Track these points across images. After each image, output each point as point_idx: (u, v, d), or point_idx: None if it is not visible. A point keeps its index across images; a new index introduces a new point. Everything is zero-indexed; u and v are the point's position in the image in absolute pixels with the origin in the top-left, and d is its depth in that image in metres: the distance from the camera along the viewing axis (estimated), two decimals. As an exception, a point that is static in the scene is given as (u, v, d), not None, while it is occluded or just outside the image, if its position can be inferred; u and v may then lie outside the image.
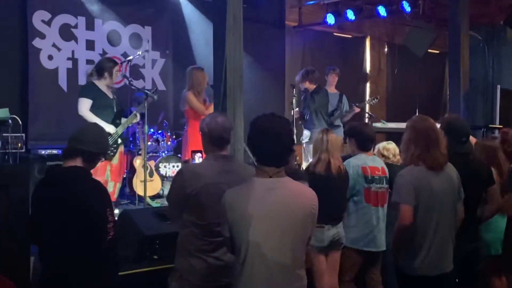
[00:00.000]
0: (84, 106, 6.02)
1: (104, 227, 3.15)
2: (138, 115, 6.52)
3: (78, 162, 3.24)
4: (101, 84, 6.18)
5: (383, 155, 5.21)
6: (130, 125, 6.63)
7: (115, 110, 6.22)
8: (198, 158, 3.82)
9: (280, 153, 2.75)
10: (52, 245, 3.19)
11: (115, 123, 6.16)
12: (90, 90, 6.12)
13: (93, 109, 6.04)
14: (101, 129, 3.68)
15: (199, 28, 9.34)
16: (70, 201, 3.12)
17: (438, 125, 3.97)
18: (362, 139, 4.84)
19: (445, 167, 3.67)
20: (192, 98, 6.93)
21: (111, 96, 6.24)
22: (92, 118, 5.94)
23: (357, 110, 8.33)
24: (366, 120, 9.18)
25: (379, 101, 12.11)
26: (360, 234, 4.69)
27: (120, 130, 6.26)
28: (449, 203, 3.66)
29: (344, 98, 8.39)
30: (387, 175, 4.74)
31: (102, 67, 6.22)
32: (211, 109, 6.82)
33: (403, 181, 3.62)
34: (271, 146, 2.71)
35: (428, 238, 3.58)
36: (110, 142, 5.91)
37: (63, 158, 3.31)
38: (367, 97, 12.05)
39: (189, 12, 9.51)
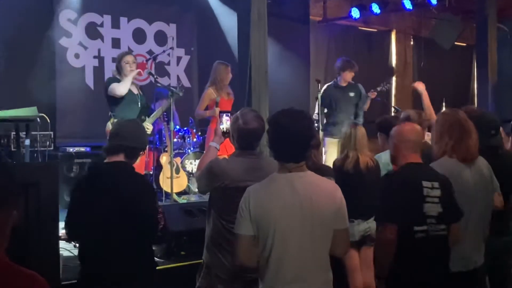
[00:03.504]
0: (116, 87, 6.03)
1: (155, 217, 3.24)
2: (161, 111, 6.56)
3: (121, 158, 3.30)
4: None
5: None
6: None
7: (139, 106, 6.24)
8: (226, 121, 3.80)
9: (298, 149, 2.71)
10: (100, 240, 3.18)
11: (140, 119, 6.20)
12: (114, 80, 6.17)
13: (117, 105, 6.07)
14: (140, 124, 3.76)
15: (224, 25, 9.36)
16: (121, 193, 3.17)
17: None
18: None
19: (475, 160, 3.63)
20: (206, 96, 6.97)
21: (135, 91, 6.25)
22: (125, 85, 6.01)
23: (374, 95, 8.14)
24: (392, 114, 9.09)
25: (405, 95, 12.08)
26: None
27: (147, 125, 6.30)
28: (481, 196, 3.60)
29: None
30: None
31: (117, 62, 6.28)
32: (228, 106, 6.86)
33: None
34: (288, 142, 2.68)
35: (463, 233, 3.53)
36: None
37: (105, 154, 3.35)
38: (393, 91, 11.96)
39: (214, 8, 9.53)
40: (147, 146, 7.63)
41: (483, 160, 3.69)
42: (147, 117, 6.35)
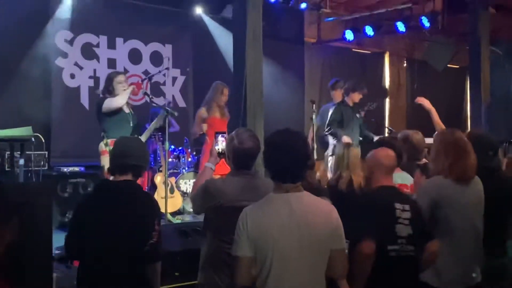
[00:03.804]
0: (114, 100, 6.04)
1: (149, 233, 3.19)
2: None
3: (129, 177, 3.30)
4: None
5: None
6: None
7: (131, 125, 6.24)
8: (221, 142, 3.79)
9: (294, 169, 2.73)
10: (101, 256, 3.18)
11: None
12: (102, 100, 6.16)
13: (109, 124, 6.07)
14: (142, 142, 3.77)
15: (219, 46, 9.41)
16: (132, 212, 3.18)
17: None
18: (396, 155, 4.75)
19: (472, 180, 3.64)
20: (198, 116, 7.07)
21: (127, 110, 6.26)
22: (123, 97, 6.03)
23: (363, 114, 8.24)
24: (386, 135, 9.12)
25: (399, 116, 12.14)
26: None
27: None
28: (475, 216, 3.63)
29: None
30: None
31: (106, 82, 6.27)
32: (223, 126, 6.93)
33: (419, 192, 3.71)
34: (285, 162, 2.70)
35: (452, 252, 3.54)
36: None
37: (112, 173, 3.35)
38: (387, 113, 12.03)
39: (210, 29, 9.59)
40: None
41: (479, 180, 3.71)
42: (139, 136, 6.35)
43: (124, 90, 6.17)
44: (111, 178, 3.37)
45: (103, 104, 6.06)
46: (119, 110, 6.15)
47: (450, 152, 3.62)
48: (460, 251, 3.55)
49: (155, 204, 3.39)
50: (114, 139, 5.81)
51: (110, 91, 6.17)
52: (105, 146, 5.99)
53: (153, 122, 6.57)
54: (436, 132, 3.88)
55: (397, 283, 3.25)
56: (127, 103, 6.30)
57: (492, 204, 3.76)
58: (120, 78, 6.26)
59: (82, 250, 3.24)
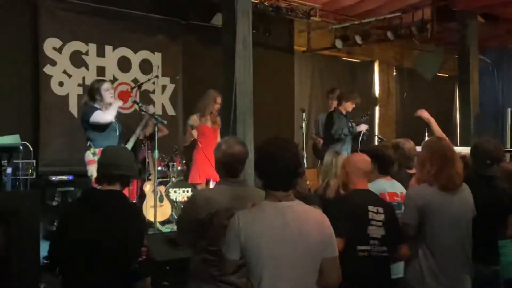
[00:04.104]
0: (103, 115, 6.01)
1: (139, 249, 3.20)
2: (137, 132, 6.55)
3: (117, 187, 3.29)
4: (102, 108, 6.20)
5: None
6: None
7: (117, 134, 6.22)
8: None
9: (286, 177, 2.73)
10: (83, 266, 3.15)
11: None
12: (93, 109, 6.12)
13: (96, 133, 6.03)
14: (130, 152, 3.73)
15: (209, 54, 9.40)
16: (113, 223, 3.15)
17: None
18: (383, 163, 4.77)
19: (460, 188, 3.64)
20: (190, 123, 7.13)
21: (113, 119, 6.24)
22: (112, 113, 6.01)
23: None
24: (376, 143, 9.14)
25: (389, 125, 12.17)
26: None
27: None
28: (462, 224, 3.64)
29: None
30: None
31: (91, 91, 6.22)
32: (214, 134, 6.94)
33: (406, 201, 3.74)
34: (277, 170, 2.70)
35: (444, 259, 3.56)
36: None
37: (99, 183, 3.33)
38: (376, 121, 12.06)
39: (200, 37, 9.58)
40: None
41: (467, 188, 3.71)
42: (125, 145, 6.32)
43: (112, 97, 6.14)
44: (98, 187, 3.35)
45: (91, 115, 6.01)
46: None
47: (435, 160, 3.64)
48: (445, 258, 3.57)
49: (141, 216, 3.42)
50: (102, 148, 5.81)
51: (97, 99, 6.12)
52: (93, 156, 5.94)
53: (137, 130, 6.54)
54: (424, 141, 3.90)
55: (367, 282, 3.35)
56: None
57: (485, 212, 3.78)
58: (107, 85, 6.23)
59: (64, 260, 3.21)
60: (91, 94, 6.18)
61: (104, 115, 5.99)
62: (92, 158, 5.96)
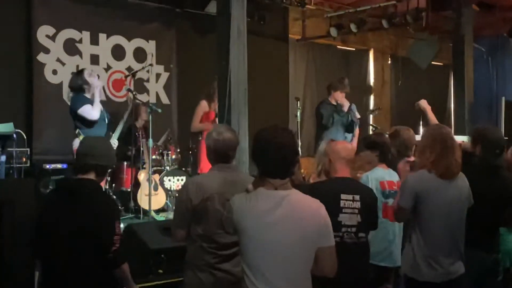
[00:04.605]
0: (91, 111, 6.01)
1: (111, 238, 3.21)
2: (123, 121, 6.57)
3: (91, 176, 3.33)
4: (88, 94, 6.20)
5: None
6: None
7: (106, 122, 6.22)
8: None
9: (284, 165, 2.73)
10: (59, 255, 3.19)
11: (109, 135, 6.14)
12: (81, 99, 6.13)
13: (88, 123, 6.03)
14: (108, 142, 3.75)
15: (203, 42, 9.37)
16: (83, 211, 3.19)
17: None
18: (383, 151, 4.77)
19: (457, 176, 3.67)
20: (199, 109, 7.09)
21: (101, 107, 6.24)
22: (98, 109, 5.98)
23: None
24: (370, 132, 9.15)
25: (383, 113, 12.18)
26: (377, 249, 4.60)
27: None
28: (457, 211, 3.68)
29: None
30: None
31: (76, 83, 6.24)
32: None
33: (404, 184, 3.77)
34: (274, 158, 2.70)
35: (434, 245, 3.60)
36: None
37: (74, 173, 3.39)
38: (370, 108, 12.05)
39: (194, 26, 9.54)
40: (125, 163, 7.60)
41: (463, 176, 3.74)
42: (113, 133, 6.32)
43: (95, 78, 6.24)
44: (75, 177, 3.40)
45: (80, 106, 6.04)
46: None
47: (435, 147, 3.66)
48: (436, 245, 3.61)
49: (113, 205, 3.43)
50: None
51: (85, 88, 6.16)
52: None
53: (124, 116, 6.54)
54: (425, 128, 3.93)
55: (341, 268, 3.33)
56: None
57: (489, 201, 3.84)
58: (87, 71, 6.36)
59: (43, 249, 3.27)
60: (79, 83, 6.20)
61: (92, 111, 6.01)
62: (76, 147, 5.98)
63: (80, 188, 3.30)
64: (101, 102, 6.64)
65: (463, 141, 4.81)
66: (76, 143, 6.03)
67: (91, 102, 6.12)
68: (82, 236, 3.15)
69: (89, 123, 6.05)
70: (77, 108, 6.03)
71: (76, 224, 3.16)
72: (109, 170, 7.28)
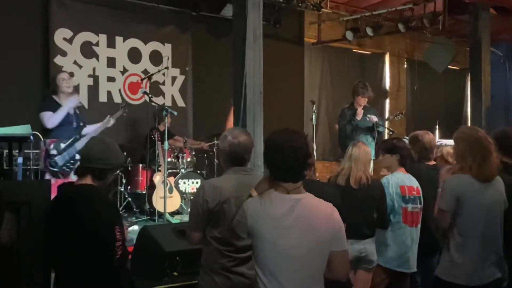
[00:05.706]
0: (49, 119, 6.05)
1: (112, 246, 3.10)
2: (112, 120, 6.50)
3: (88, 180, 3.23)
4: (60, 99, 6.21)
5: (447, 161, 4.90)
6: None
7: (74, 126, 6.21)
8: None
9: (296, 168, 2.72)
10: (65, 267, 3.17)
11: (75, 139, 6.10)
12: (47, 104, 6.16)
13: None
14: (107, 143, 3.40)
15: (219, 45, 9.39)
16: (78, 220, 3.10)
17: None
18: (403, 155, 4.74)
19: (494, 179, 3.66)
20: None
21: (71, 112, 6.23)
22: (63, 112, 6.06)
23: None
24: (386, 137, 9.10)
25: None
26: (395, 254, 4.58)
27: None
28: (496, 214, 3.65)
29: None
30: (421, 195, 4.66)
31: (51, 81, 6.31)
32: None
33: (445, 187, 3.68)
34: (286, 161, 2.69)
35: (472, 248, 3.58)
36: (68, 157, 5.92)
37: (77, 177, 3.31)
38: (387, 114, 11.99)
39: (210, 29, 9.57)
40: (140, 165, 7.63)
41: (499, 178, 3.72)
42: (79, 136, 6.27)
43: (68, 87, 6.24)
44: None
45: (42, 109, 6.12)
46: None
47: (476, 153, 3.62)
48: (477, 249, 3.59)
49: (112, 210, 3.28)
50: (54, 139, 5.92)
51: (56, 90, 6.20)
52: (44, 145, 5.97)
53: (110, 118, 6.51)
54: (458, 131, 3.85)
55: None
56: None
57: None
58: (64, 75, 6.35)
59: (53, 257, 3.25)
60: (52, 85, 6.27)
61: (50, 120, 6.02)
62: (43, 148, 6.02)
63: (74, 194, 3.20)
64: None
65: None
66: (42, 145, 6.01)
67: (55, 108, 6.14)
68: (82, 246, 3.08)
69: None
70: (40, 109, 6.13)
71: (75, 233, 3.09)
72: (119, 173, 7.34)
